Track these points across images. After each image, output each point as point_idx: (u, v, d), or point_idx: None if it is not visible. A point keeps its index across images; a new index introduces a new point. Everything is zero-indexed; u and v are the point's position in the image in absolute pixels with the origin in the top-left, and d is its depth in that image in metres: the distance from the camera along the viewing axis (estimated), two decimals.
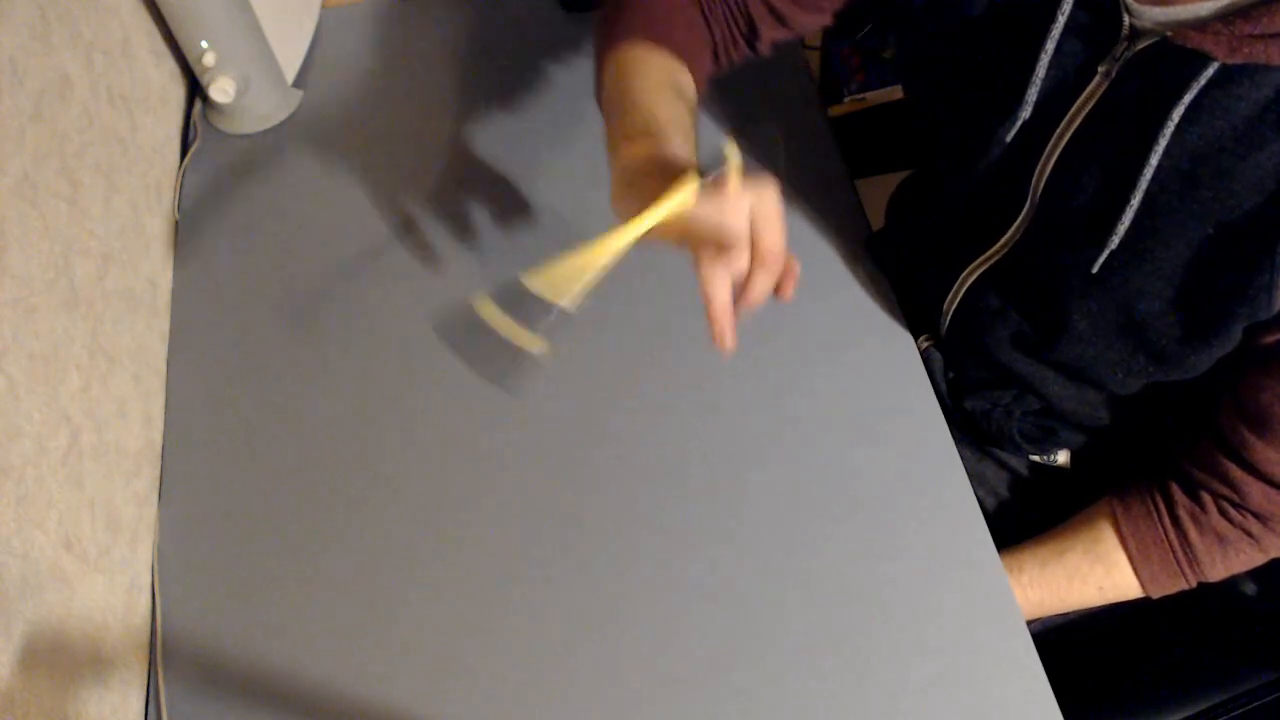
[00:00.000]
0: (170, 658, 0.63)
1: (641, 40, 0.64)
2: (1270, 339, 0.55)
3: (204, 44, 0.80)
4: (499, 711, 0.61)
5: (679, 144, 0.55)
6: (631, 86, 0.61)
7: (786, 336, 0.75)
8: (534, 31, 0.94)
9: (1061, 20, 0.54)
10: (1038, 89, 0.56)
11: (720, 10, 0.68)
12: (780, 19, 0.68)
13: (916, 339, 0.76)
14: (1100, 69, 0.54)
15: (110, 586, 0.60)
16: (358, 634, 0.63)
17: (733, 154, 0.51)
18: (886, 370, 0.74)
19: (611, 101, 0.62)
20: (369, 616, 0.64)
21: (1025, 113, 0.57)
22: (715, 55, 0.70)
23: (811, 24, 0.70)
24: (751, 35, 0.69)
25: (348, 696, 0.61)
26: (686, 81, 0.64)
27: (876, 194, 0.91)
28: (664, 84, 0.62)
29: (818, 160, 0.85)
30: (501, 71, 0.92)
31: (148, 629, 0.64)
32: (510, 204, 0.82)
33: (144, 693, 0.62)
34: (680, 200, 0.49)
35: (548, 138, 0.87)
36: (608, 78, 0.64)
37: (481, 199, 0.83)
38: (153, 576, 0.65)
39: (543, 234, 0.81)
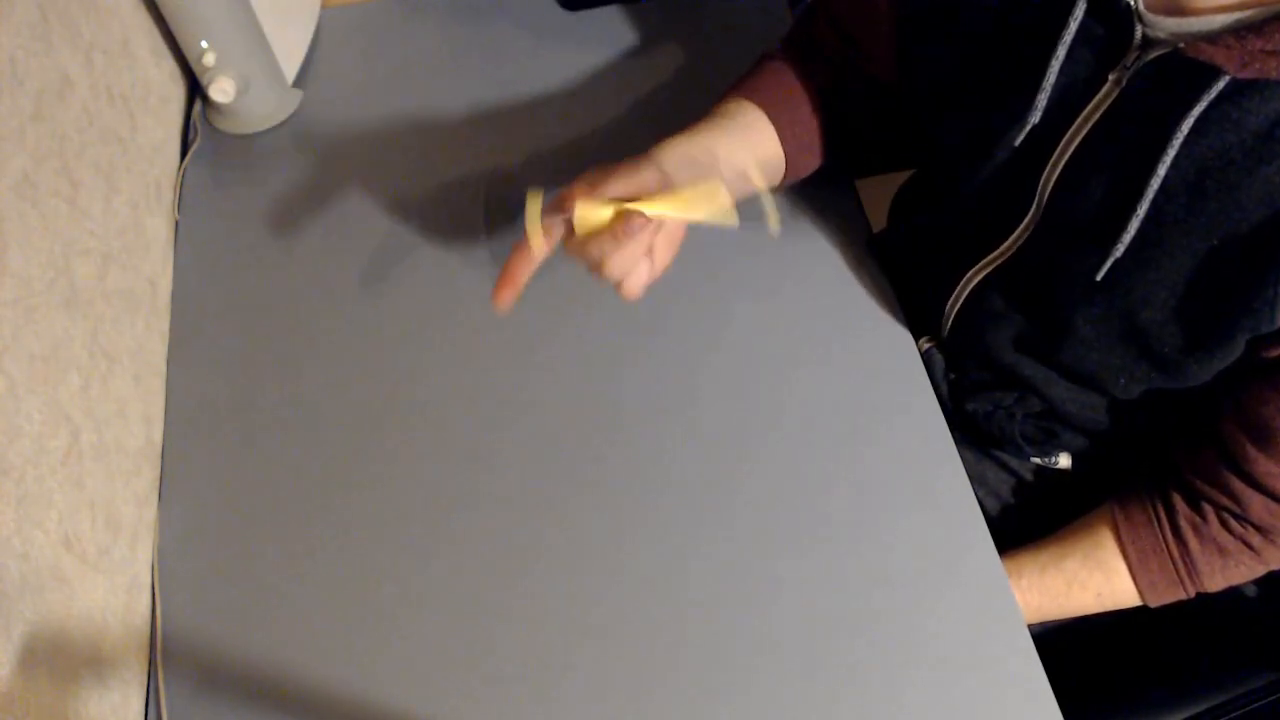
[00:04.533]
0: (170, 658, 0.63)
1: (757, 103, 0.71)
2: (1274, 353, 0.55)
3: (204, 44, 0.79)
4: (499, 711, 0.61)
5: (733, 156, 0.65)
6: (729, 120, 0.69)
7: (786, 336, 0.75)
8: (534, 31, 0.94)
9: (1073, 26, 0.53)
10: (1048, 95, 0.56)
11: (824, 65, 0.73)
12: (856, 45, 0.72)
13: (917, 340, 0.76)
14: (1111, 77, 0.54)
15: (110, 586, 0.60)
16: (358, 634, 0.63)
17: (770, 206, 0.58)
18: (887, 371, 0.74)
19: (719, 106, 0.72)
20: (370, 616, 0.64)
21: (1035, 118, 0.57)
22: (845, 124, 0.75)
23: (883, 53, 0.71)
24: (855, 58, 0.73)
25: (348, 696, 0.61)
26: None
27: (877, 194, 0.91)
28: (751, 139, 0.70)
29: None
30: (502, 71, 0.92)
31: (148, 629, 0.64)
32: (511, 203, 0.82)
33: (144, 693, 0.62)
34: (717, 208, 0.55)
35: (548, 137, 0.87)
36: (730, 95, 0.73)
37: (482, 198, 0.83)
38: (153, 576, 0.65)
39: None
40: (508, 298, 0.58)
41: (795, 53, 0.74)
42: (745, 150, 0.68)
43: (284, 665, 0.62)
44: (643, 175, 0.57)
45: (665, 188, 0.57)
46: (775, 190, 0.76)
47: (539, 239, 0.56)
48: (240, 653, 0.63)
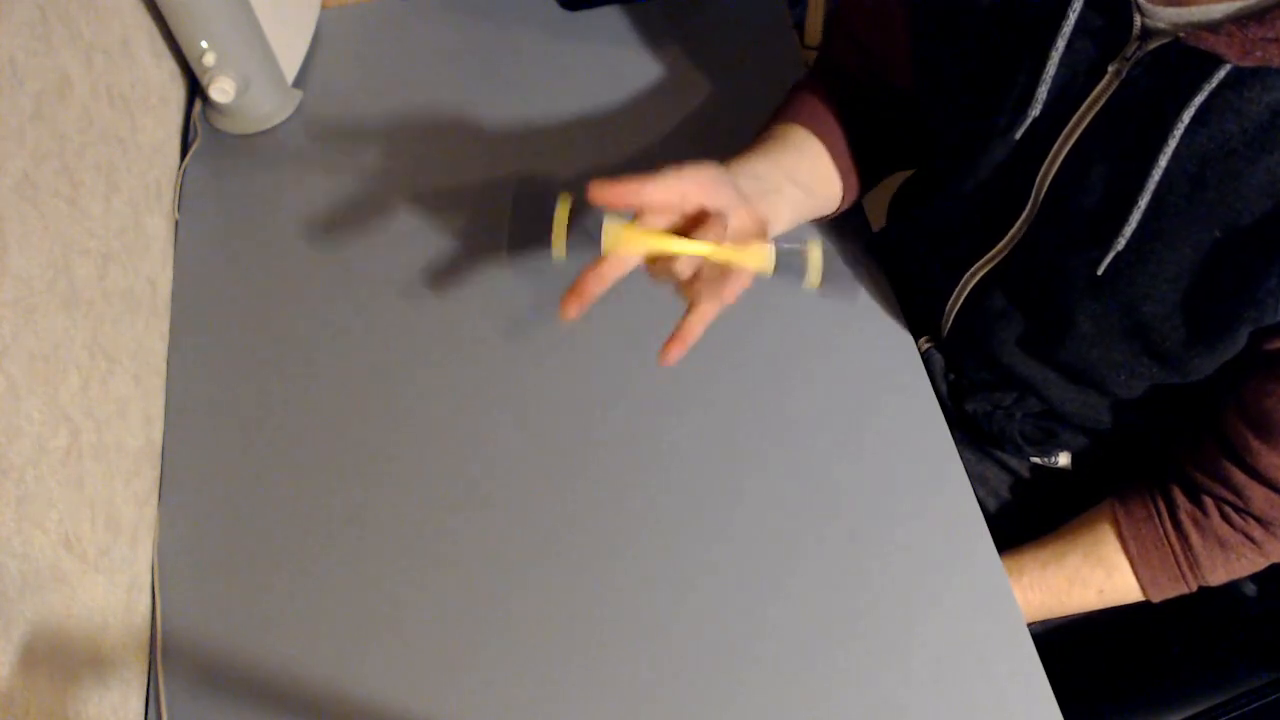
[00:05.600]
0: (170, 658, 0.63)
1: (807, 128, 0.72)
2: (1275, 345, 0.55)
3: (204, 44, 0.79)
4: (499, 710, 0.61)
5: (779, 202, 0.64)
6: (782, 141, 0.70)
7: (786, 337, 0.75)
8: (534, 31, 0.94)
9: (1073, 18, 0.53)
10: (1048, 87, 0.56)
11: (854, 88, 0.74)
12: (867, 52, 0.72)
13: (917, 340, 0.76)
14: (1111, 68, 0.54)
15: (110, 586, 0.60)
16: (358, 633, 0.63)
17: (815, 255, 0.57)
18: (887, 371, 0.74)
19: (765, 132, 0.73)
20: (369, 616, 0.64)
21: (1036, 110, 0.57)
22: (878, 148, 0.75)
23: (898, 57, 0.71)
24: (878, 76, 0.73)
25: (348, 696, 0.61)
26: (829, 176, 0.72)
27: (877, 194, 0.91)
28: (807, 166, 0.70)
29: None
30: (502, 71, 0.92)
31: (148, 629, 0.64)
32: (510, 202, 0.82)
33: (144, 693, 0.62)
34: (759, 261, 0.54)
35: (548, 137, 0.87)
36: (773, 123, 0.73)
37: (482, 198, 0.83)
38: (153, 576, 0.65)
39: (543, 233, 0.80)
40: (574, 309, 0.55)
41: (823, 78, 0.75)
42: (809, 173, 0.70)
43: (284, 665, 0.62)
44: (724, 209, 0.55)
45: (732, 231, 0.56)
46: (827, 219, 0.76)
47: (562, 245, 0.55)
48: (240, 653, 0.63)
